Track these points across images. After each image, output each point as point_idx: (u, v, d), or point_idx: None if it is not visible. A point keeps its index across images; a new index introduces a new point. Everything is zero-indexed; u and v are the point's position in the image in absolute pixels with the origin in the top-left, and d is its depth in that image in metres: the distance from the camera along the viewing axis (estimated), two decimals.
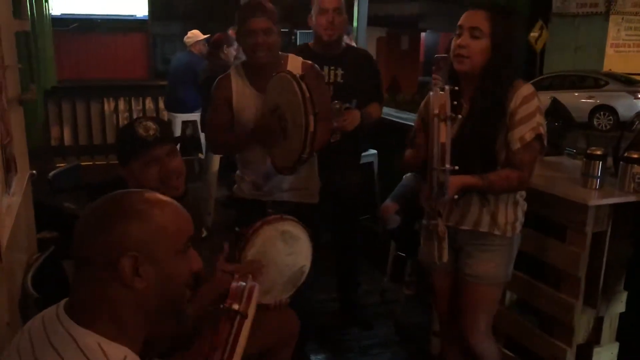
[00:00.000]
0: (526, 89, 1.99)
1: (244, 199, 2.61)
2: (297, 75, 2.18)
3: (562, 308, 2.35)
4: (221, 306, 1.34)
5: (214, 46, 4.95)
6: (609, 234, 2.30)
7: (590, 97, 12.67)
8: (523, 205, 2.16)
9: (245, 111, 2.44)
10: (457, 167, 1.86)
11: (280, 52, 2.50)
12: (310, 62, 2.54)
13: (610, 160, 2.39)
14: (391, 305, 3.55)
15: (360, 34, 4.71)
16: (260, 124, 2.34)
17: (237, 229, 2.08)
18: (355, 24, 4.69)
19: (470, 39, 1.97)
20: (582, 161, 2.31)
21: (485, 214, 2.09)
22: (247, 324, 1.34)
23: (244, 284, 1.34)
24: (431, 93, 1.93)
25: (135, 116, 7.23)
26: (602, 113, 12.44)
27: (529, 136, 1.96)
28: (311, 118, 2.11)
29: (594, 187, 2.26)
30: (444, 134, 1.85)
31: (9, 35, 2.03)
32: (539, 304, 2.47)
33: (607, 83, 12.66)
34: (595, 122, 12.37)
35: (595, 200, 2.18)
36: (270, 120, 2.29)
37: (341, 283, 3.44)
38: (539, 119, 1.98)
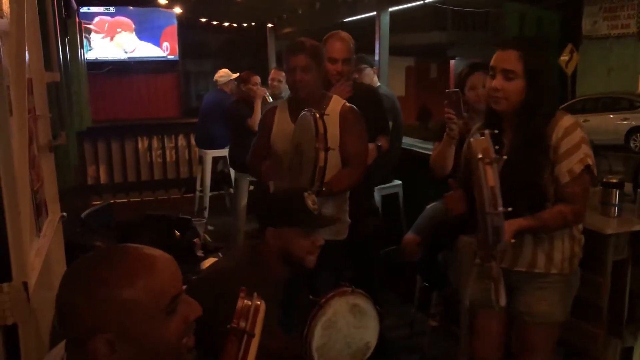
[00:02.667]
0: (567, 120, 1.95)
1: None
2: (317, 112, 2.26)
3: (587, 338, 2.32)
4: (228, 326, 1.34)
5: (241, 84, 5.11)
6: (631, 262, 2.27)
7: (625, 119, 12.44)
8: (580, 240, 2.08)
9: (279, 142, 2.59)
10: (510, 209, 1.79)
11: (326, 92, 2.62)
12: (351, 105, 2.61)
13: (628, 186, 2.38)
14: (419, 337, 3.52)
15: (382, 66, 4.78)
16: (277, 157, 2.44)
17: (310, 297, 2.12)
18: (377, 56, 4.77)
19: (504, 81, 1.94)
20: (600, 189, 2.30)
21: (539, 253, 2.02)
22: (255, 342, 1.34)
23: (249, 302, 1.37)
24: (472, 140, 1.88)
25: (168, 154, 7.43)
26: (638, 135, 12.19)
27: (577, 168, 1.91)
28: (322, 154, 2.18)
29: (612, 215, 2.24)
30: (491, 177, 1.78)
31: (41, 87, 2.16)
32: (565, 335, 2.44)
33: None
34: (632, 144, 12.13)
35: (614, 228, 2.16)
36: (290, 154, 2.37)
37: None
38: (585, 149, 1.92)
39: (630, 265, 2.28)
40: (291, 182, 2.46)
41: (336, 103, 2.60)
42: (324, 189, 2.30)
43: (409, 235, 3.15)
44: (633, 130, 12.21)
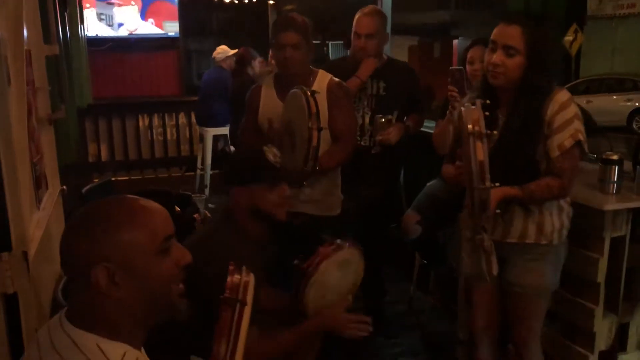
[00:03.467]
0: (562, 95, 1.96)
1: None
2: (309, 90, 2.25)
3: (582, 314, 2.34)
4: (220, 297, 1.39)
5: (239, 63, 5.07)
6: (628, 238, 2.28)
7: (628, 100, 12.40)
8: (569, 212, 2.11)
9: (267, 120, 2.55)
10: (497, 184, 1.82)
11: (312, 68, 2.58)
12: (338, 80, 2.60)
13: (628, 165, 2.38)
14: (418, 314, 3.56)
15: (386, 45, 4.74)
16: (268, 134, 2.44)
17: (295, 261, 2.14)
18: None
19: (505, 57, 1.94)
20: (599, 166, 2.30)
21: (530, 224, 2.05)
22: (247, 310, 1.38)
23: (239, 277, 1.40)
24: (462, 109, 1.89)
25: (169, 132, 7.43)
26: None
27: (568, 143, 1.93)
28: (315, 133, 2.18)
29: (611, 192, 2.25)
30: (480, 152, 1.79)
31: (40, 59, 2.16)
32: (561, 310, 2.46)
33: None
34: (634, 126, 12.09)
35: (612, 205, 2.17)
36: (277, 131, 2.38)
37: (367, 292, 3.47)
38: (577, 125, 1.94)
39: (628, 242, 2.29)
40: (284, 160, 2.46)
41: (323, 78, 2.57)
42: (317, 167, 2.30)
43: (409, 213, 3.17)
44: (636, 112, 12.17)
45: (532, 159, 1.98)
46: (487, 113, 1.85)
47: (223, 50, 5.97)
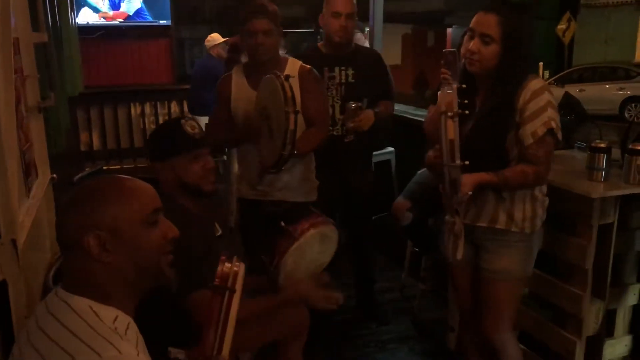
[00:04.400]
0: (535, 83, 1.98)
1: (243, 199, 2.71)
2: (282, 75, 2.25)
3: (570, 300, 2.36)
4: (210, 284, 1.41)
5: (233, 51, 5.04)
6: (615, 226, 2.30)
7: (620, 89, 12.43)
8: (543, 201, 2.13)
9: (241, 109, 2.55)
10: (467, 162, 1.86)
11: (281, 55, 2.58)
12: (309, 66, 2.61)
13: (617, 152, 2.39)
14: (410, 301, 3.58)
15: (376, 33, 4.73)
16: (245, 123, 2.44)
17: (282, 224, 2.17)
18: (370, 22, 4.72)
19: (481, 45, 1.97)
20: (588, 154, 2.32)
21: (501, 211, 2.07)
22: (236, 298, 1.40)
23: (229, 266, 1.41)
24: (439, 93, 1.94)
25: (161, 120, 7.40)
26: (633, 105, 12.19)
27: (540, 131, 1.95)
28: (292, 117, 2.18)
29: (599, 179, 2.26)
30: (451, 130, 1.86)
31: (28, 47, 2.15)
32: (549, 296, 2.49)
33: (638, 74, 12.40)
34: (626, 114, 12.13)
35: (600, 192, 2.18)
36: (255, 119, 2.38)
37: (358, 280, 3.49)
38: (551, 113, 1.96)
39: (616, 229, 2.31)
40: (260, 148, 2.46)
41: (293, 65, 2.58)
42: (295, 152, 2.30)
43: (400, 200, 3.18)
44: (628, 100, 12.21)
45: (501, 146, 2.01)
46: (465, 101, 1.90)
47: (212, 39, 5.95)
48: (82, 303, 1.13)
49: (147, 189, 1.22)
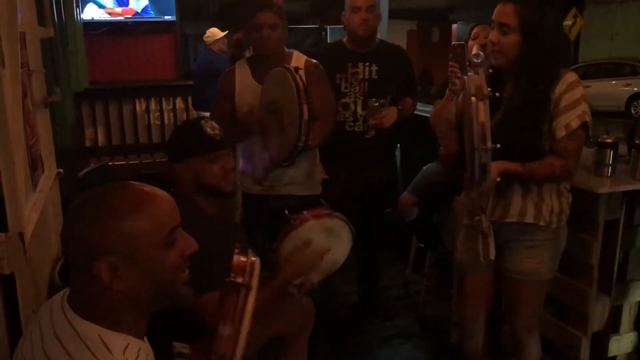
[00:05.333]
0: (570, 76, 1.94)
1: (247, 195, 2.70)
2: (292, 67, 2.24)
3: (576, 296, 2.36)
4: (226, 280, 1.39)
5: (238, 47, 5.05)
6: (622, 222, 2.29)
7: (627, 85, 12.39)
8: (568, 197, 2.08)
9: (245, 103, 2.53)
10: (498, 145, 1.80)
11: (287, 50, 2.57)
12: (314, 60, 2.60)
13: (623, 149, 2.39)
14: (414, 297, 3.58)
15: (381, 30, 4.71)
16: (249, 116, 2.42)
17: (286, 211, 2.15)
18: None
19: (500, 35, 1.94)
20: (594, 150, 2.31)
21: (529, 203, 2.02)
22: (252, 295, 1.38)
23: (245, 259, 1.40)
24: (466, 77, 1.88)
25: (166, 116, 7.41)
26: (639, 101, 12.15)
27: (575, 124, 1.90)
28: (305, 107, 2.18)
29: (605, 175, 2.26)
30: (482, 113, 1.79)
31: (34, 42, 2.15)
32: (555, 292, 2.48)
33: None
34: (632, 111, 12.09)
35: (606, 188, 2.18)
36: (261, 114, 2.36)
37: (362, 276, 3.49)
38: (585, 107, 1.91)
39: (622, 225, 2.30)
40: (268, 143, 2.45)
41: (299, 59, 2.57)
42: (309, 142, 2.29)
43: (405, 196, 3.18)
44: (635, 97, 12.16)
45: (535, 139, 1.95)
46: (497, 94, 1.87)
47: (212, 34, 5.95)
48: (90, 331, 1.03)
49: (166, 203, 1.09)
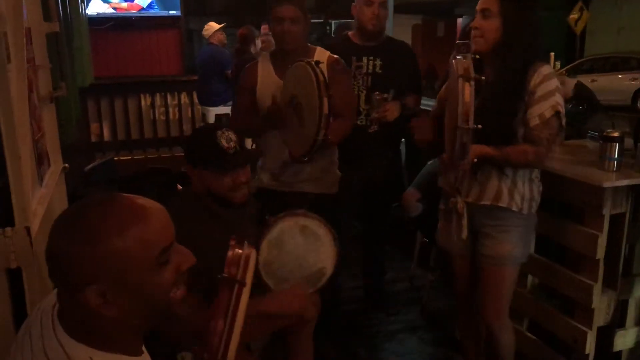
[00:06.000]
0: (546, 68, 2.03)
1: (263, 189, 2.70)
2: (312, 61, 2.24)
3: (581, 290, 2.35)
4: (219, 276, 1.37)
5: (243, 42, 5.04)
6: (628, 215, 2.29)
7: (633, 79, 12.28)
8: (538, 185, 2.18)
9: (267, 97, 2.53)
10: (480, 126, 1.88)
11: (309, 45, 2.57)
12: (337, 56, 2.59)
13: (629, 142, 2.38)
14: (418, 291, 3.59)
15: (387, 23, 4.70)
16: (270, 109, 2.42)
17: (267, 217, 2.16)
18: None
19: (482, 20, 2.04)
20: (600, 143, 2.30)
21: (504, 187, 2.11)
22: (246, 291, 1.37)
23: (240, 251, 1.39)
24: (454, 60, 1.97)
25: (171, 111, 7.43)
26: None
27: (548, 113, 1.99)
28: (325, 100, 2.17)
29: (611, 169, 2.25)
30: (468, 93, 1.87)
31: (40, 37, 2.16)
32: (560, 286, 2.48)
33: None
34: (638, 105, 12.00)
35: (611, 182, 2.17)
36: (282, 107, 2.36)
37: (368, 270, 3.50)
38: (558, 98, 2.01)
39: (628, 219, 2.30)
40: (287, 139, 2.45)
41: (322, 54, 2.57)
42: (329, 137, 2.29)
43: (410, 191, 3.18)
44: None
45: (509, 124, 2.04)
46: (483, 78, 1.93)
47: (210, 27, 5.96)
48: (82, 354, 0.98)
49: (157, 219, 1.01)
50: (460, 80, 1.88)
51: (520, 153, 2.03)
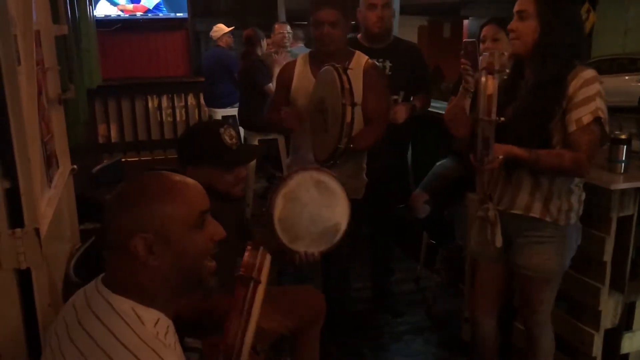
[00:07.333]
0: (588, 72, 1.94)
1: None
2: (341, 66, 2.23)
3: (588, 293, 2.35)
4: (236, 274, 1.42)
5: (248, 44, 5.05)
6: (635, 218, 2.28)
7: None
8: (580, 195, 2.08)
9: (300, 97, 2.54)
10: (502, 119, 1.84)
11: (349, 49, 2.58)
12: (373, 61, 2.60)
13: (637, 144, 2.37)
14: (425, 292, 3.59)
15: (393, 24, 4.70)
16: (301, 113, 2.43)
17: (278, 174, 2.16)
18: None
19: (518, 22, 1.98)
20: (607, 145, 2.30)
21: (537, 199, 2.03)
22: (261, 289, 1.41)
23: (255, 256, 1.42)
24: (481, 57, 1.95)
25: (178, 113, 7.45)
26: None
27: (586, 119, 1.89)
28: (348, 109, 2.16)
29: (618, 171, 2.24)
30: (490, 86, 1.84)
31: (49, 39, 2.17)
32: (566, 289, 2.47)
33: None
34: None
35: (619, 184, 2.16)
36: (310, 111, 2.37)
37: (375, 271, 3.50)
38: (599, 103, 1.91)
39: (636, 222, 2.29)
40: (315, 140, 2.45)
41: (360, 58, 2.57)
42: (351, 145, 2.28)
43: (417, 193, 3.19)
44: None
45: (544, 128, 1.95)
46: (505, 76, 1.94)
47: (219, 29, 5.96)
48: (125, 305, 1.11)
49: (195, 188, 1.19)
50: (483, 73, 1.86)
51: (554, 156, 1.93)
